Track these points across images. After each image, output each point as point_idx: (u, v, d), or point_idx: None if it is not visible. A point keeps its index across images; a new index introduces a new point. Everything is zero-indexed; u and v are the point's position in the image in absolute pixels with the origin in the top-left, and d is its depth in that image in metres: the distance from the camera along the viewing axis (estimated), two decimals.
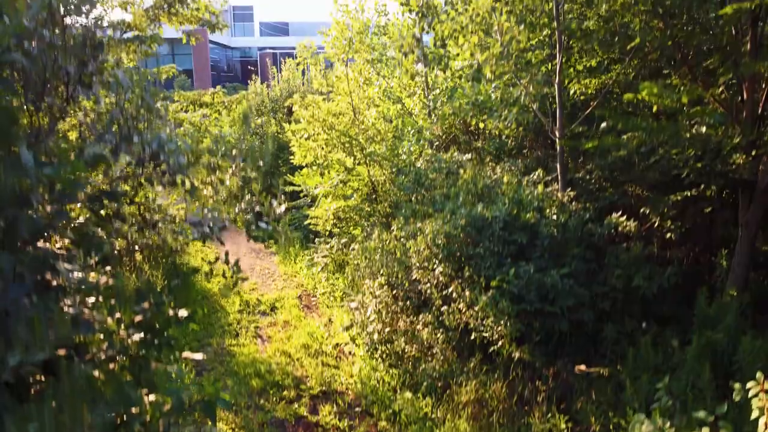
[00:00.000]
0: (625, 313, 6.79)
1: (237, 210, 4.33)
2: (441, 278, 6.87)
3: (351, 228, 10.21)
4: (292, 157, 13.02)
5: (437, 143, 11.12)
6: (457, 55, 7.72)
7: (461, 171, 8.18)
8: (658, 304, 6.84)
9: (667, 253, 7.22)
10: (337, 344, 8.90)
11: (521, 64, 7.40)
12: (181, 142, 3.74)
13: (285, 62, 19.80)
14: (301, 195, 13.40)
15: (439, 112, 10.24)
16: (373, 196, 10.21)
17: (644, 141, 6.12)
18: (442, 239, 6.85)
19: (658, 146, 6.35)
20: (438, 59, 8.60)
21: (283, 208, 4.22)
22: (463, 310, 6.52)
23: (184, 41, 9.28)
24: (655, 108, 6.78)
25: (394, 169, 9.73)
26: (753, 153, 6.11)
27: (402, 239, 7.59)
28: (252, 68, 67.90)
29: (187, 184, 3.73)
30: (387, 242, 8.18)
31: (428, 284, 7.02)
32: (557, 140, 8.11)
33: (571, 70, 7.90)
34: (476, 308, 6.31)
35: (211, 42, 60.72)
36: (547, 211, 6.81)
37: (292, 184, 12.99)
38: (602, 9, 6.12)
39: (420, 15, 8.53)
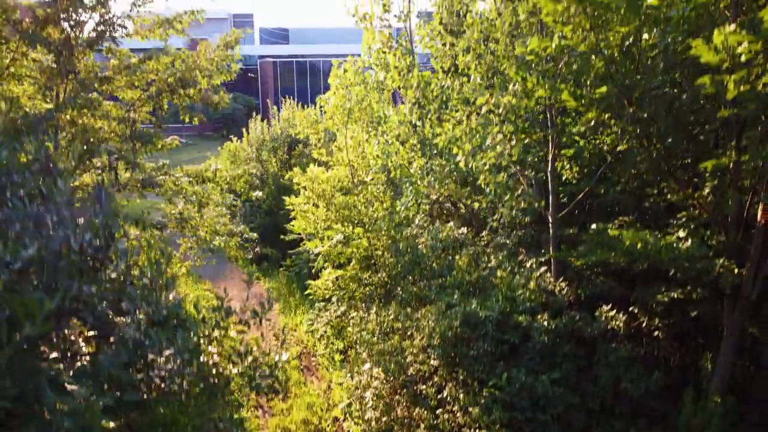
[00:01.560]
0: (614, 411, 7.04)
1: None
2: (436, 378, 7.12)
3: (349, 294, 10.44)
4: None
5: (434, 201, 11.38)
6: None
7: (457, 257, 8.41)
8: (646, 401, 7.08)
9: (655, 350, 7.46)
10: (336, 419, 9.14)
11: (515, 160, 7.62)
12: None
13: (285, 101, 20.01)
14: (301, 245, 13.64)
15: (436, 176, 10.47)
16: (372, 262, 10.44)
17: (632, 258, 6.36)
18: (437, 339, 7.09)
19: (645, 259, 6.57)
20: (431, 149, 8.85)
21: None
22: (457, 413, 6.77)
23: (183, 117, 9.49)
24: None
25: (390, 241, 9.96)
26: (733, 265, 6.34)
27: (399, 331, 7.83)
28: (252, 75, 68.08)
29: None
30: (384, 324, 8.43)
31: (423, 385, 7.26)
32: (551, 224, 8.36)
33: (563, 162, 8.13)
34: (470, 414, 6.56)
35: None
36: (539, 317, 7.05)
37: (292, 231, 13.24)
38: (585, 122, 6.35)
39: (417, 105, 8.77)
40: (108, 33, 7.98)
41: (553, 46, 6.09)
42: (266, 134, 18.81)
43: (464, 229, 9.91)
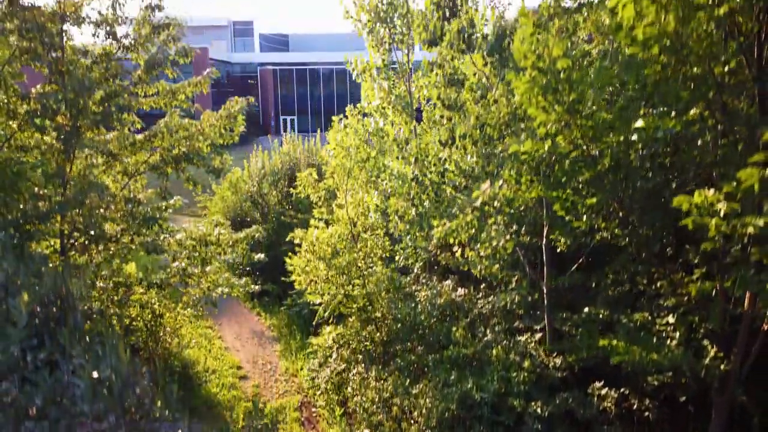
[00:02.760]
0: None
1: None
2: None
3: (349, 350, 10.67)
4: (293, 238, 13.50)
5: (433, 254, 11.62)
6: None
7: (454, 329, 8.64)
8: None
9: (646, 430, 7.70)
10: None
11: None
12: None
13: (286, 135, 20.21)
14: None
15: (433, 232, 10.71)
16: (371, 316, 10.67)
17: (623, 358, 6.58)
18: (435, 421, 7.32)
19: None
20: (429, 223, 9.10)
21: None
22: None
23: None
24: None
25: (390, 296, 10.20)
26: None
27: (397, 404, 8.06)
28: (252, 82, 68.19)
29: None
30: (384, 393, 8.66)
31: None
32: (545, 294, 8.59)
33: (557, 234, 8.35)
34: None
35: (211, 58, 60.97)
36: (533, 404, 7.28)
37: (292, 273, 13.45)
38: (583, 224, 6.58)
39: (415, 180, 9.00)
40: (115, 114, 8.19)
41: (546, 147, 6.32)
42: (267, 166, 19.02)
43: (462, 291, 10.15)
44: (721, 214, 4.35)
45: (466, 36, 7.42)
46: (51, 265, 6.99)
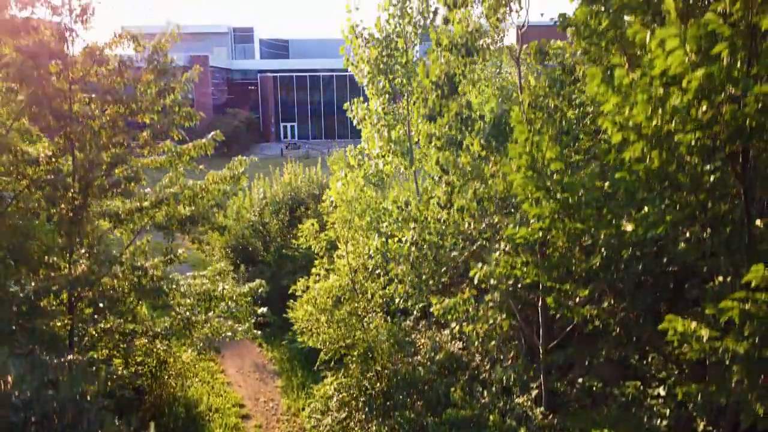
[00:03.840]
0: None
1: None
2: None
3: (350, 398, 10.92)
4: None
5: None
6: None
7: (452, 390, 8.88)
8: None
9: None
10: None
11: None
12: None
13: (287, 165, 20.43)
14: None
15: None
16: (372, 364, 10.92)
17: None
18: None
19: None
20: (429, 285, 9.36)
21: None
22: None
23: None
24: None
25: (390, 346, 10.45)
26: None
27: None
28: (252, 88, 68.42)
29: None
30: None
31: None
32: (541, 354, 8.84)
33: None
34: None
35: (212, 66, 61.13)
36: None
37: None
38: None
39: (414, 245, 9.25)
40: (123, 185, 8.43)
41: (540, 233, 6.57)
42: (268, 195, 19.26)
43: (460, 344, 10.39)
44: (704, 339, 4.59)
45: (463, 117, 7.65)
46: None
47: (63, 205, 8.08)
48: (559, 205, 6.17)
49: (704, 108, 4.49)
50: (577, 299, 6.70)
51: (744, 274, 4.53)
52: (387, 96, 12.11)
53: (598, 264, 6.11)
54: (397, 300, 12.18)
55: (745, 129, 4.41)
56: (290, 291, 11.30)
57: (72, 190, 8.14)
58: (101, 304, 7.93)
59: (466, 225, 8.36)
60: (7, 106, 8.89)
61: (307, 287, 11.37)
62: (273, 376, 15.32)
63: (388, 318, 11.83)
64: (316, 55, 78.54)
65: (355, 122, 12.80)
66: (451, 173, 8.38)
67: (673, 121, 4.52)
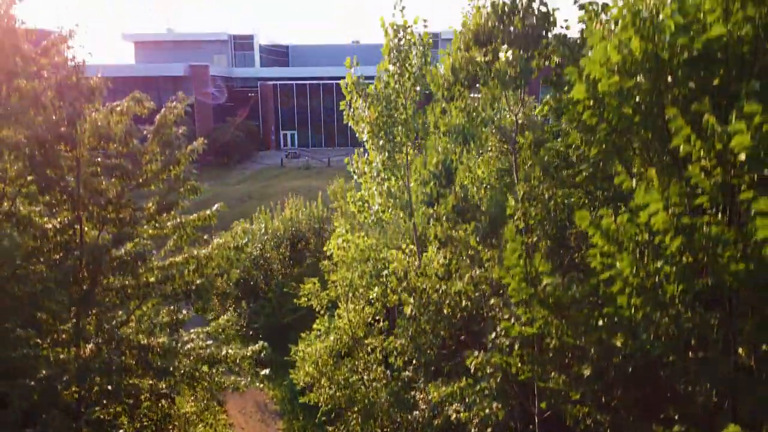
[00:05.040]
0: None
1: None
2: None
3: None
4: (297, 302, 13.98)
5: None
6: None
7: None
8: None
9: None
10: None
11: None
12: None
13: (288, 199, 20.64)
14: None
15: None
16: (373, 426, 11.20)
17: None
18: None
19: None
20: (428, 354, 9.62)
21: None
22: None
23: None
24: None
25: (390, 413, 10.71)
26: None
27: None
28: (252, 94, 68.50)
29: None
30: None
31: None
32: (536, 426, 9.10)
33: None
34: None
35: (212, 75, 61.27)
36: None
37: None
38: None
39: (413, 319, 9.50)
40: (131, 265, 8.67)
41: (535, 328, 6.83)
42: (270, 229, 19.50)
43: (459, 406, 10.65)
44: None
45: (460, 208, 7.90)
46: None
47: (74, 287, 8.33)
48: (551, 313, 6.44)
49: (687, 260, 4.74)
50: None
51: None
52: (386, 154, 12.34)
53: (588, 372, 6.37)
54: (394, 359, 12.45)
55: (725, 281, 4.66)
56: (292, 352, 11.56)
57: (81, 273, 8.39)
58: (110, 387, 8.18)
59: (464, 303, 8.61)
60: (15, 183, 9.15)
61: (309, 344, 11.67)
62: (275, 417, 15.59)
63: (388, 371, 12.09)
64: (316, 60, 78.64)
65: (355, 177, 13.04)
66: (450, 250, 8.63)
67: (657, 276, 4.77)
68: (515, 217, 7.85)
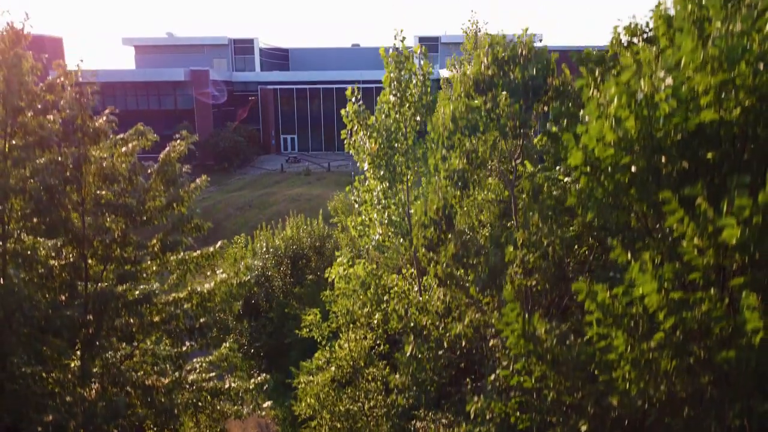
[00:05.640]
0: None
1: None
2: None
3: None
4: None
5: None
6: None
7: None
8: None
9: None
10: None
11: None
12: None
13: (289, 219, 20.78)
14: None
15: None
16: None
17: None
18: None
19: None
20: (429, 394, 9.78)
21: None
22: None
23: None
24: None
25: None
26: None
27: None
28: (252, 98, 68.56)
29: None
30: None
31: None
32: None
33: None
34: None
35: (212, 80, 61.35)
36: None
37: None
38: None
39: (413, 358, 9.65)
40: (136, 308, 8.82)
41: (533, 379, 6.98)
42: (271, 244, 19.63)
43: None
44: None
45: (460, 256, 8.05)
46: None
47: (80, 332, 8.47)
48: (549, 367, 6.58)
49: (680, 335, 4.88)
50: None
51: None
52: (387, 183, 12.48)
53: (585, 428, 6.51)
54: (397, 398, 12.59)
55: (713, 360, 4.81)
56: (293, 383, 11.71)
57: (87, 316, 8.53)
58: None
59: (464, 343, 8.76)
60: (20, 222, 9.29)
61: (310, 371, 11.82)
62: None
63: (389, 399, 12.25)
64: (316, 64, 78.73)
65: (356, 206, 13.18)
66: (450, 293, 8.77)
67: (651, 354, 4.92)
68: (515, 264, 7.99)
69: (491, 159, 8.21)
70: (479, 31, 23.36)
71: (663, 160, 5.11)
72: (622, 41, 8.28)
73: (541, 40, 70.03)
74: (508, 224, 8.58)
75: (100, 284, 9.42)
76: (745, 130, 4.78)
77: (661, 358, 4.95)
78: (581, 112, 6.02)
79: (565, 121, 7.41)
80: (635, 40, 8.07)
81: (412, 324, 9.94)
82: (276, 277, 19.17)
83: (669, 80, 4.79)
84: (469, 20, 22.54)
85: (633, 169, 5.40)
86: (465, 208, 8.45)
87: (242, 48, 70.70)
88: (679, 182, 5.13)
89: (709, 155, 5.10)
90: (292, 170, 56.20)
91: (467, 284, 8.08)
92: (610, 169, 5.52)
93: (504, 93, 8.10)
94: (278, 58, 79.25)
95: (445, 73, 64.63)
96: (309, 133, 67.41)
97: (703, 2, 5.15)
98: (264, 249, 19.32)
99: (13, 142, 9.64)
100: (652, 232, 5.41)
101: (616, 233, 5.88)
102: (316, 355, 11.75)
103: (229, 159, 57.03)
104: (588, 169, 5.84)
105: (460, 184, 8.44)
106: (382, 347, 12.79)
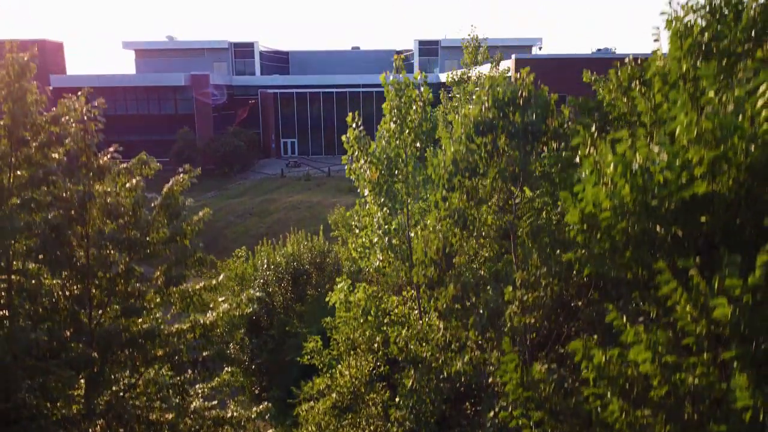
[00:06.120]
0: None
1: None
2: None
3: None
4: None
5: None
6: None
7: None
8: None
9: None
10: None
11: None
12: None
13: (290, 235, 20.87)
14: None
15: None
16: None
17: None
18: None
19: None
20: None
21: None
22: None
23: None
24: None
25: None
26: None
27: None
28: (252, 102, 68.67)
29: None
30: None
31: None
32: None
33: None
34: None
35: (212, 84, 61.44)
36: None
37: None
38: None
39: (414, 392, 9.79)
40: (141, 343, 8.96)
41: (531, 423, 7.11)
42: (272, 259, 19.75)
43: None
44: None
45: (460, 299, 8.18)
46: None
47: (85, 370, 8.61)
48: (547, 415, 6.72)
49: (674, 399, 5.01)
50: None
51: None
52: (387, 210, 12.61)
53: None
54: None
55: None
56: (294, 412, 11.84)
57: (93, 353, 8.67)
58: None
59: (463, 379, 8.89)
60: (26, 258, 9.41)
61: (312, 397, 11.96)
62: None
63: (389, 424, 12.39)
64: (316, 66, 78.82)
65: (357, 231, 13.31)
66: (450, 331, 8.91)
67: (646, 420, 5.05)
68: (514, 305, 8.12)
69: (491, 197, 8.35)
70: (480, 46, 23.48)
71: (658, 228, 5.24)
72: (621, 83, 8.42)
73: (540, 48, 70.30)
74: (506, 257, 8.71)
75: (104, 320, 9.57)
76: (738, 200, 4.91)
77: (656, 423, 5.08)
78: (577, 172, 6.16)
79: (561, 166, 7.56)
80: (633, 84, 8.20)
81: (412, 354, 10.08)
82: (277, 293, 19.30)
83: (663, 156, 4.91)
84: (469, 34, 22.63)
85: (629, 230, 5.53)
86: (465, 248, 8.58)
87: (242, 51, 70.80)
88: (674, 247, 5.26)
89: (703, 219, 5.23)
90: (293, 175, 56.30)
91: (467, 323, 8.22)
92: (606, 229, 5.65)
93: (503, 136, 8.23)
94: (278, 61, 79.34)
95: (444, 77, 64.91)
96: (309, 136, 67.53)
97: (697, 73, 5.28)
98: (265, 266, 19.45)
99: (18, 172, 9.79)
100: (646, 298, 5.53)
101: (612, 291, 6.00)
102: (317, 381, 11.89)
103: (230, 163, 57.07)
104: (585, 226, 5.97)
105: (460, 223, 8.57)
106: (382, 368, 12.93)
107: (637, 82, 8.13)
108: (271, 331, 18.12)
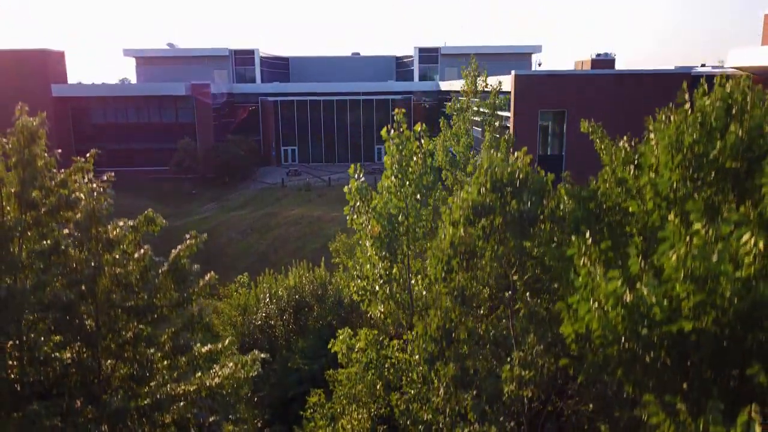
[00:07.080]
0: None
1: None
2: None
3: None
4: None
5: None
6: None
7: None
8: None
9: None
10: None
11: None
12: None
13: (292, 269, 21.14)
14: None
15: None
16: None
17: None
18: None
19: None
20: None
21: None
22: None
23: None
24: None
25: None
26: None
27: None
28: (252, 108, 68.81)
29: None
30: None
31: None
32: None
33: None
34: None
35: (213, 93, 61.63)
36: None
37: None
38: None
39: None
40: (150, 415, 9.24)
41: None
42: (274, 292, 20.02)
43: None
44: None
45: (460, 379, 8.46)
46: None
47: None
48: None
49: None
50: None
51: None
52: (386, 253, 12.91)
53: None
54: None
55: None
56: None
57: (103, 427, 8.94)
58: None
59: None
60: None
61: None
62: None
63: None
64: (316, 72, 78.98)
65: (358, 281, 13.58)
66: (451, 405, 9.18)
67: None
68: (511, 384, 8.39)
69: (490, 277, 8.62)
70: (479, 75, 23.72)
71: (647, 359, 5.51)
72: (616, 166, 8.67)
73: (540, 65, 70.49)
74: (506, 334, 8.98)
75: (114, 382, 9.85)
76: (722, 340, 5.17)
77: None
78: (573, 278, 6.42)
79: (557, 257, 7.82)
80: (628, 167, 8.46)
81: (413, 417, 10.36)
82: (279, 326, 19.58)
83: (653, 298, 5.18)
84: (467, 70, 22.99)
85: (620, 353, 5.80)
86: (464, 326, 8.85)
87: (243, 59, 70.95)
88: (662, 371, 5.52)
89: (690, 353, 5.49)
90: (293, 184, 56.50)
91: (466, 398, 8.50)
92: (598, 346, 5.91)
93: (500, 218, 8.50)
94: (278, 67, 79.49)
95: (444, 85, 64.93)
96: (309, 144, 67.72)
97: (686, 207, 5.55)
98: (267, 299, 19.72)
99: (28, 233, 10.05)
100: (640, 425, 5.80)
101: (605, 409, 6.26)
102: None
103: (230, 172, 57.22)
104: (578, 338, 6.24)
105: (459, 300, 8.84)
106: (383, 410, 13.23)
107: (631, 167, 8.40)
108: (274, 365, 18.39)
